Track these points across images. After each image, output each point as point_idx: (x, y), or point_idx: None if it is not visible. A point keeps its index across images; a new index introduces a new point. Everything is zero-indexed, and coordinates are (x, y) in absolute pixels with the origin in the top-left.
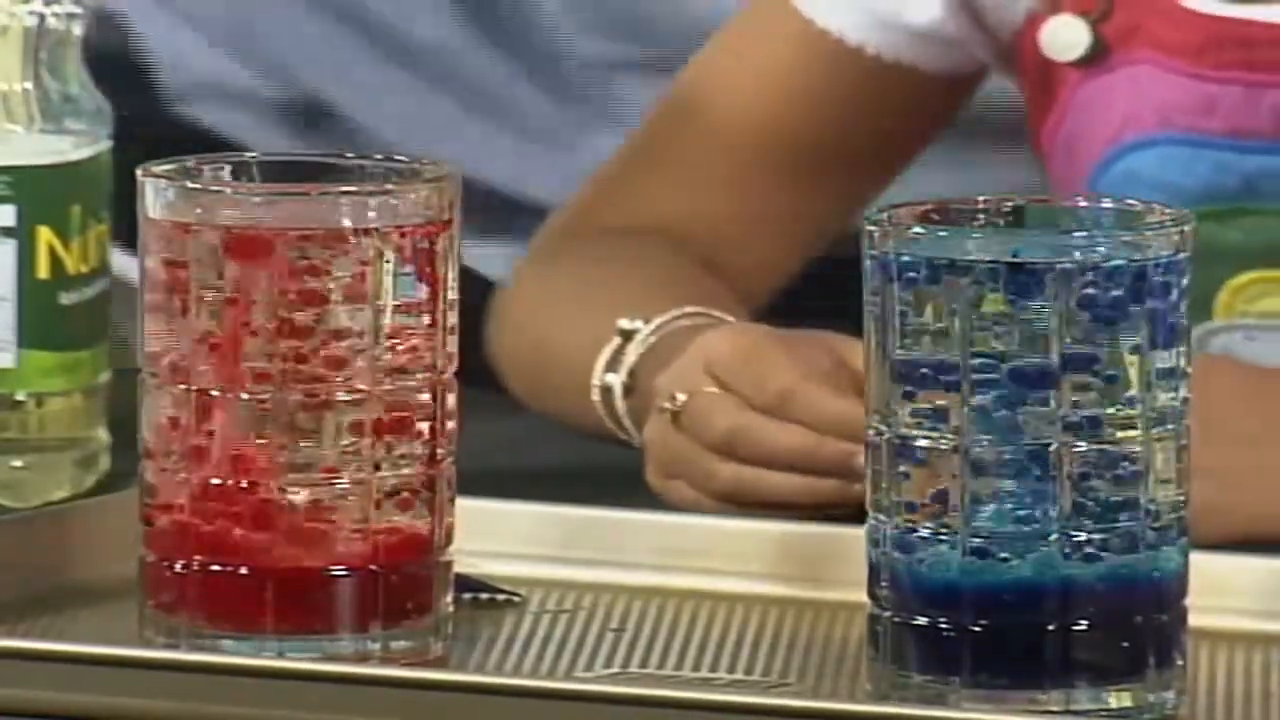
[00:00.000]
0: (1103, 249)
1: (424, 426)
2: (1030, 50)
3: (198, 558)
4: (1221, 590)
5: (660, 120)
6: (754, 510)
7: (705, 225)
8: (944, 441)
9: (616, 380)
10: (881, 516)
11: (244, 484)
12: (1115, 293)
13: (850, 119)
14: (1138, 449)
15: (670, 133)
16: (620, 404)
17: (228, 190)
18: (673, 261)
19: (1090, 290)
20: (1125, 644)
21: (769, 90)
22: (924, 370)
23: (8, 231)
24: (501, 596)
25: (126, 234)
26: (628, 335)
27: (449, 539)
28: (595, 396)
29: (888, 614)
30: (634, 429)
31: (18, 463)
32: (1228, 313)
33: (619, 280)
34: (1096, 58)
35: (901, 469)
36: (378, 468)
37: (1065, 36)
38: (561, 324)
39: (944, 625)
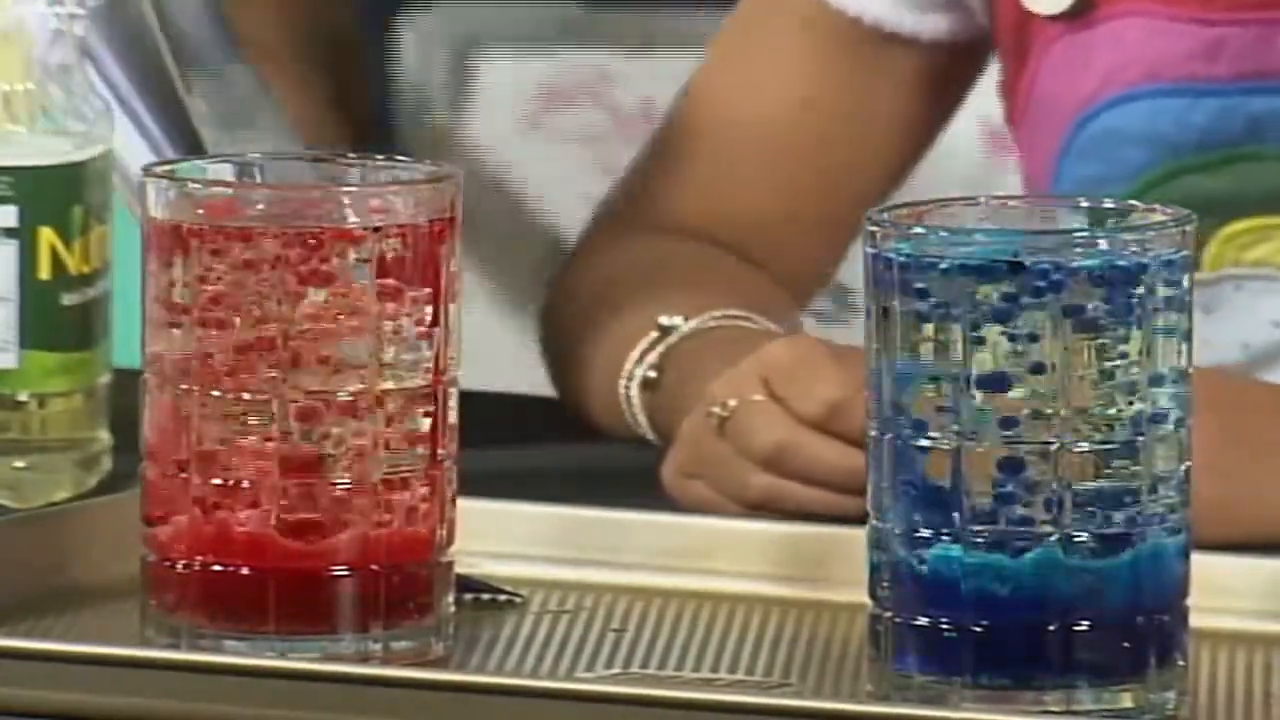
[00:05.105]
0: (1104, 248)
1: (425, 426)
2: (1010, 6)
3: (199, 558)
4: (1223, 591)
5: (680, 119)
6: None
7: (736, 223)
8: (944, 441)
9: (640, 372)
10: (882, 516)
11: (245, 484)
12: (1116, 292)
13: (862, 98)
14: (1139, 449)
15: (690, 131)
16: (637, 396)
17: (230, 190)
18: (718, 262)
19: (1091, 289)
20: (1126, 644)
21: (782, 76)
22: (925, 369)
23: (10, 232)
24: (503, 597)
25: None
26: (665, 331)
27: (450, 539)
28: (620, 390)
29: (889, 614)
30: (646, 423)
31: (19, 463)
32: (1217, 264)
33: (663, 279)
34: (1081, 12)
35: (902, 469)
36: (379, 468)
37: None
38: (600, 321)
39: (945, 625)
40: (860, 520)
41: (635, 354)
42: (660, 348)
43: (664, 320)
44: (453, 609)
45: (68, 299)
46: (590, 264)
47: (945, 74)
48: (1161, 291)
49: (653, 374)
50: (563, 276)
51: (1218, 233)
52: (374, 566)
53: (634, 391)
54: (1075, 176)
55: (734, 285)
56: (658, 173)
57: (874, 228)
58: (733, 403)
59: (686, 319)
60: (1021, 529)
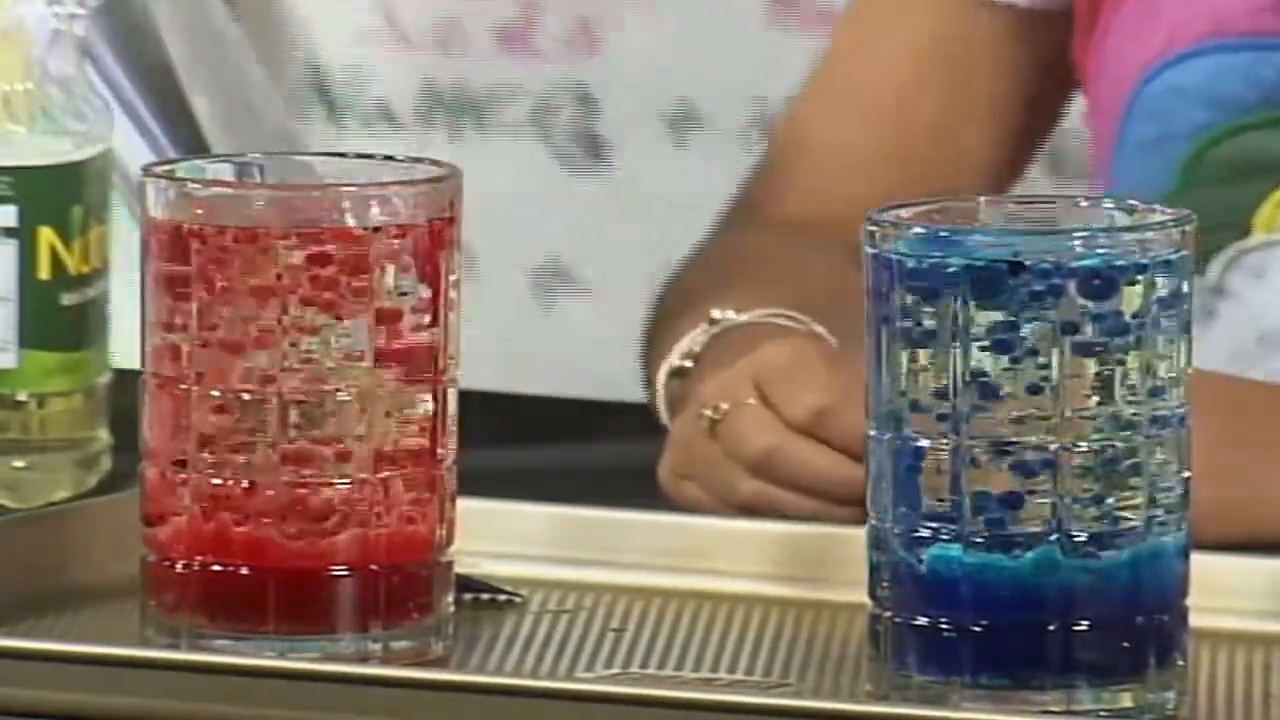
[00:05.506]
0: (1104, 248)
1: (425, 426)
2: None
3: (198, 558)
4: (1222, 591)
5: (802, 114)
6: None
7: (848, 215)
8: (944, 441)
9: (676, 361)
10: (882, 516)
11: (245, 484)
12: (1116, 292)
13: (974, 76)
14: (1138, 449)
15: (812, 125)
16: (665, 385)
17: (229, 190)
18: (804, 258)
19: (1091, 289)
20: (1126, 644)
21: (897, 64)
22: (924, 369)
23: (9, 232)
24: (502, 597)
25: None
26: (714, 324)
27: (450, 539)
28: (659, 380)
29: (888, 614)
30: (665, 410)
31: (19, 463)
32: (1269, 227)
33: (740, 273)
34: None
35: (902, 469)
36: (379, 468)
37: None
38: (673, 315)
39: (945, 625)
40: (859, 520)
41: (682, 345)
42: (703, 338)
43: (715, 313)
44: (452, 609)
45: (67, 299)
46: (694, 261)
47: (1046, 48)
48: (1161, 291)
49: (688, 364)
50: (671, 278)
51: (1272, 196)
52: (373, 566)
53: (663, 378)
54: (1138, 136)
55: (807, 283)
56: (771, 171)
57: (874, 228)
58: (724, 405)
59: (738, 313)
60: (1021, 529)
